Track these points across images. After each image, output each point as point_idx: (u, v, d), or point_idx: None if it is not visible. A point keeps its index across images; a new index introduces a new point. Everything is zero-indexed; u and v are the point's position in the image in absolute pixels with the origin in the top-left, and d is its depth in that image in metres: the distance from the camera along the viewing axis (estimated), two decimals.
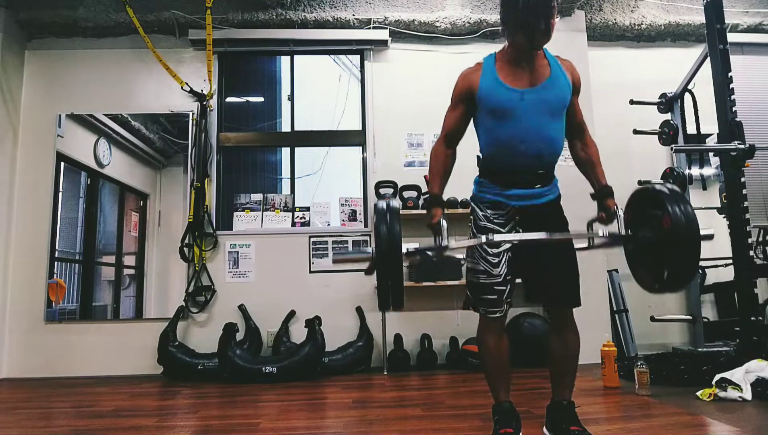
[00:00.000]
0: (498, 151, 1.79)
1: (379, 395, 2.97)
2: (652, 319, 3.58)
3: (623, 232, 1.69)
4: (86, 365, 3.76)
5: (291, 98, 4.33)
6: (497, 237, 1.70)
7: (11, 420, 2.49)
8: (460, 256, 1.93)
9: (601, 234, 1.68)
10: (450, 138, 1.86)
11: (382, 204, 1.58)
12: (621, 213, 1.72)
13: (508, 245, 1.77)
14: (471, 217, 1.89)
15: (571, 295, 1.79)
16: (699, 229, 1.53)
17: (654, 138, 3.98)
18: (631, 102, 4.04)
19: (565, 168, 2.13)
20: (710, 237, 1.56)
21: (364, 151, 4.23)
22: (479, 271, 1.78)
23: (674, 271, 1.56)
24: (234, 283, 3.93)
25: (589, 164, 1.86)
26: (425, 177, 4.01)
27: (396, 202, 1.61)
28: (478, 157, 1.90)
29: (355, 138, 4.27)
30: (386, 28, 4.16)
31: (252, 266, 3.96)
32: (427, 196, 3.92)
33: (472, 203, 1.90)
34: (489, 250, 1.76)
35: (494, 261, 1.76)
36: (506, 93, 1.73)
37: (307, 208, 4.14)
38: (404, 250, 1.54)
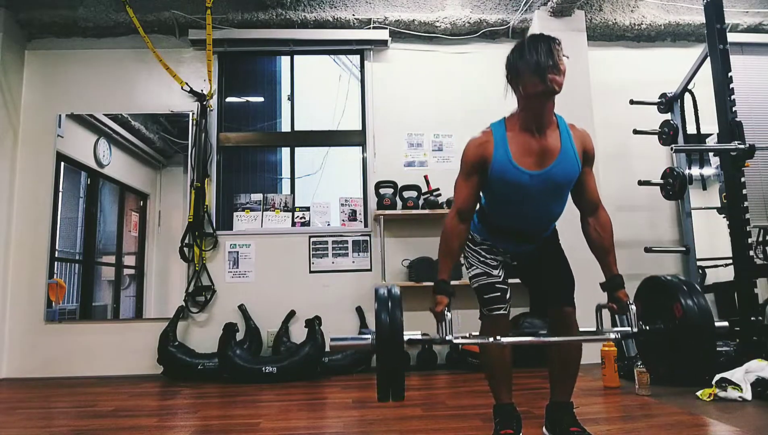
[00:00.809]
0: (499, 220, 1.81)
1: None
2: None
3: (635, 325, 1.62)
4: (86, 365, 3.76)
5: (291, 98, 4.33)
6: (504, 340, 1.63)
7: (11, 420, 2.49)
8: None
9: (613, 336, 1.64)
10: (465, 212, 1.74)
11: (383, 291, 1.52)
12: (633, 307, 1.65)
13: (503, 258, 1.85)
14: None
15: (567, 294, 1.82)
16: (713, 320, 1.49)
17: (654, 138, 3.98)
18: (631, 102, 4.04)
19: None
20: (725, 329, 1.53)
21: (364, 151, 4.23)
22: (479, 275, 1.83)
23: (688, 361, 1.52)
24: (234, 283, 3.93)
25: (601, 250, 1.79)
26: (425, 177, 4.01)
27: (397, 289, 1.55)
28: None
29: (355, 138, 4.27)
30: (386, 28, 4.16)
31: (252, 266, 3.96)
32: (427, 195, 3.93)
33: None
34: (487, 255, 1.83)
35: (493, 264, 1.83)
36: (517, 174, 1.67)
37: (307, 208, 4.14)
38: (406, 339, 1.47)
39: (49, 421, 2.48)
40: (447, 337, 1.57)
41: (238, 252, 3.97)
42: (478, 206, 1.86)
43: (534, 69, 1.57)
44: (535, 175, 1.67)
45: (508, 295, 1.81)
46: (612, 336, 1.62)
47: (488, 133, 1.73)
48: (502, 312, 1.79)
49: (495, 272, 1.82)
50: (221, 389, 3.16)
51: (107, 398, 2.97)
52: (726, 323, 1.54)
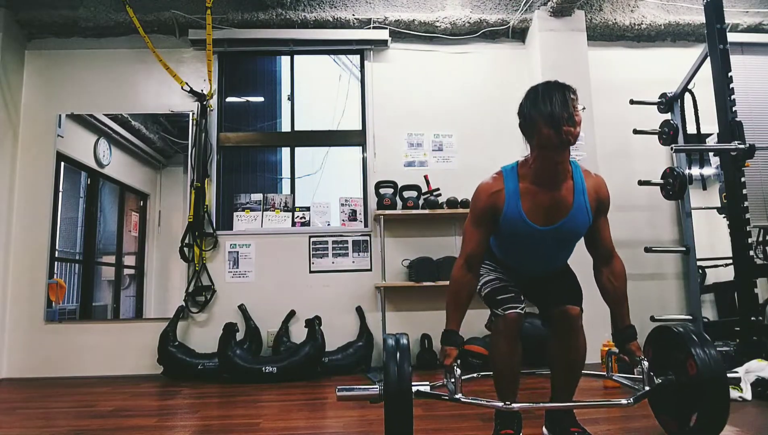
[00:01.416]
0: (507, 259, 1.83)
1: None
2: (653, 319, 3.58)
3: (647, 383, 1.60)
4: (86, 365, 3.76)
5: (291, 98, 4.33)
6: (515, 405, 1.61)
7: (11, 420, 2.49)
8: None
9: (625, 402, 1.57)
10: (473, 259, 1.71)
11: (392, 341, 1.51)
12: (645, 363, 1.61)
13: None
14: None
15: (571, 296, 1.80)
16: (726, 373, 1.48)
17: (654, 138, 3.98)
18: (631, 102, 4.04)
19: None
20: (737, 380, 1.52)
21: (364, 151, 4.23)
22: (493, 280, 1.81)
23: (703, 417, 1.50)
24: (234, 283, 3.93)
25: (615, 299, 1.78)
26: (425, 177, 4.01)
27: (405, 340, 1.52)
28: None
29: (355, 138, 4.27)
30: (386, 28, 4.16)
31: (252, 266, 3.96)
32: (427, 195, 3.92)
33: None
34: (497, 266, 1.83)
35: (503, 271, 1.83)
36: (526, 228, 1.66)
37: (307, 208, 4.14)
38: (414, 391, 1.47)
39: (48, 421, 2.47)
40: (456, 395, 1.56)
41: (238, 252, 3.97)
42: None
43: (548, 120, 1.52)
44: (544, 230, 1.66)
45: (522, 297, 1.79)
46: (623, 402, 1.57)
47: (499, 179, 1.69)
48: (518, 311, 1.73)
49: (506, 279, 1.80)
50: (221, 389, 3.16)
51: (107, 398, 2.97)
52: (737, 375, 1.56)
